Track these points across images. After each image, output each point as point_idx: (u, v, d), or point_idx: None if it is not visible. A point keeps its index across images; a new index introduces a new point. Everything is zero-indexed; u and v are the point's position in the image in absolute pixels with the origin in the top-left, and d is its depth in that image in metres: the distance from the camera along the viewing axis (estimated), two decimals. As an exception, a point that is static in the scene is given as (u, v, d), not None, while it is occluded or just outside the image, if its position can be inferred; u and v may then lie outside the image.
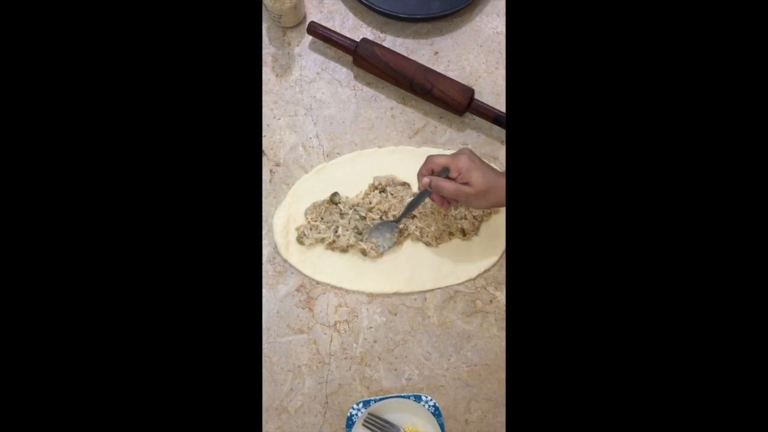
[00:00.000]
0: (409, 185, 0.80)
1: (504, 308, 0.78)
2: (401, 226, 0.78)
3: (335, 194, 0.80)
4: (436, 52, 0.85)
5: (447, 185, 0.69)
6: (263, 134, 0.81)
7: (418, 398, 0.74)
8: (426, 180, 0.70)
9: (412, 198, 0.78)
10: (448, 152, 0.82)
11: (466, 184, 0.68)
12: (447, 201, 0.73)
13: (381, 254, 0.79)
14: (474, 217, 0.79)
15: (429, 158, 0.72)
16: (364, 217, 0.79)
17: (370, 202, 0.79)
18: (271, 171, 0.81)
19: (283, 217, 0.80)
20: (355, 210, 0.79)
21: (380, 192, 0.80)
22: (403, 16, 0.83)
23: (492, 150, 0.83)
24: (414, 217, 0.79)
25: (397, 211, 0.79)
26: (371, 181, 0.80)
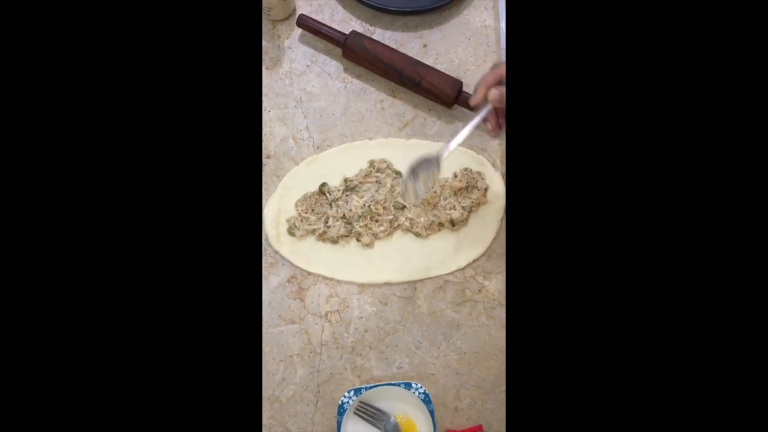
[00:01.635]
0: (401, 174, 0.81)
1: (492, 297, 0.80)
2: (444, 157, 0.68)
3: (324, 184, 0.80)
4: (425, 45, 0.86)
5: None
6: (254, 126, 0.82)
7: (408, 386, 0.75)
8: (496, 93, 0.60)
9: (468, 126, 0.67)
10: (437, 144, 0.83)
11: None
12: (498, 121, 0.64)
13: (419, 201, 0.69)
14: (463, 207, 0.80)
15: (496, 68, 0.61)
16: (354, 189, 0.79)
17: (367, 181, 0.80)
18: (261, 163, 0.82)
19: (273, 208, 0.80)
20: (344, 192, 0.80)
21: (376, 171, 0.81)
22: (392, 9, 0.84)
23: (481, 142, 0.84)
24: (403, 207, 0.80)
25: (388, 202, 0.80)
26: (365, 166, 0.81)
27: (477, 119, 0.65)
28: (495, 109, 0.64)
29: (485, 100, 0.62)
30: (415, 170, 0.70)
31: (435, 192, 0.80)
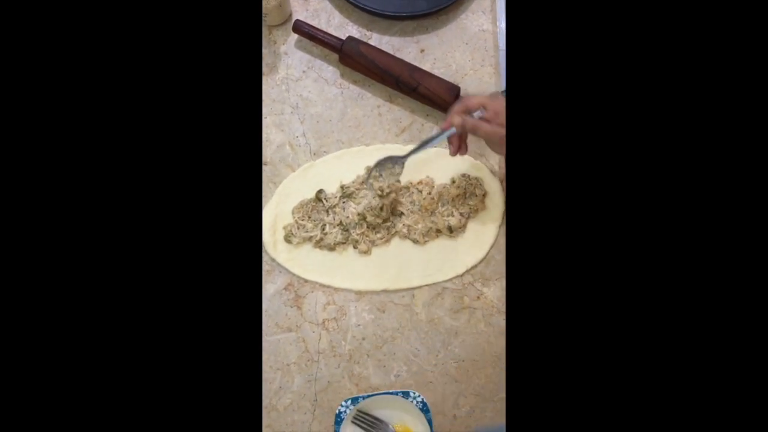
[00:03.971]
0: (398, 180, 0.81)
1: (491, 304, 0.79)
2: (406, 162, 0.76)
3: (320, 191, 0.80)
4: (422, 50, 0.85)
5: (483, 125, 0.68)
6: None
7: (406, 395, 0.75)
8: (458, 119, 0.69)
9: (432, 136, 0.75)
10: (433, 149, 0.82)
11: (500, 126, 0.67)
12: (460, 146, 0.72)
13: (376, 190, 0.76)
14: (461, 214, 0.80)
15: (465, 98, 0.71)
16: (350, 195, 0.79)
17: (364, 187, 0.80)
18: (258, 170, 0.81)
19: (270, 215, 0.80)
20: (341, 198, 0.79)
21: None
22: (389, 13, 0.84)
23: (478, 147, 0.83)
24: (402, 214, 0.79)
25: (386, 212, 0.79)
26: (362, 173, 0.81)
27: (437, 138, 0.73)
28: (460, 134, 0.72)
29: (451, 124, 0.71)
30: (381, 164, 0.76)
31: (432, 198, 0.79)
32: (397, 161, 0.76)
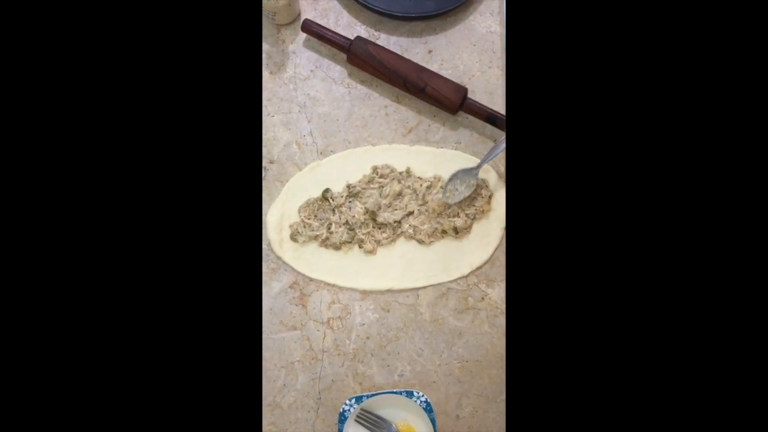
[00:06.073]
0: (475, 191, 0.81)
1: (495, 305, 0.79)
2: (477, 179, 0.80)
3: (327, 190, 0.80)
4: (430, 51, 0.86)
5: None
6: (257, 131, 0.81)
7: (409, 394, 0.75)
8: None
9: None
10: (440, 150, 0.83)
11: None
12: None
13: (454, 204, 0.79)
14: (467, 215, 0.80)
15: None
16: (356, 195, 0.80)
17: (370, 187, 0.80)
18: (264, 168, 0.81)
19: (276, 214, 0.80)
20: (347, 199, 0.79)
21: (380, 177, 0.80)
22: (397, 14, 0.84)
23: (485, 149, 0.83)
24: (411, 213, 0.80)
25: (387, 212, 0.80)
26: (368, 172, 0.81)
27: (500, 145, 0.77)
28: None
29: None
30: (453, 178, 0.79)
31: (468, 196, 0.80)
32: (470, 173, 0.79)
